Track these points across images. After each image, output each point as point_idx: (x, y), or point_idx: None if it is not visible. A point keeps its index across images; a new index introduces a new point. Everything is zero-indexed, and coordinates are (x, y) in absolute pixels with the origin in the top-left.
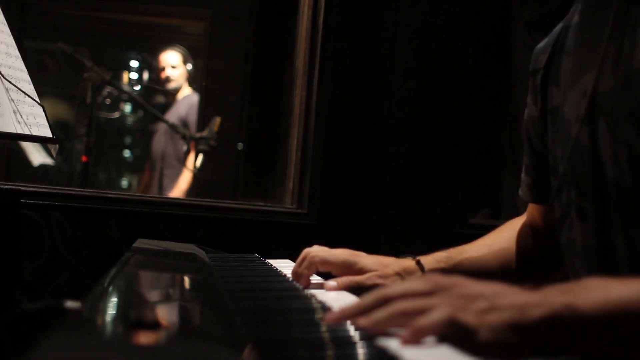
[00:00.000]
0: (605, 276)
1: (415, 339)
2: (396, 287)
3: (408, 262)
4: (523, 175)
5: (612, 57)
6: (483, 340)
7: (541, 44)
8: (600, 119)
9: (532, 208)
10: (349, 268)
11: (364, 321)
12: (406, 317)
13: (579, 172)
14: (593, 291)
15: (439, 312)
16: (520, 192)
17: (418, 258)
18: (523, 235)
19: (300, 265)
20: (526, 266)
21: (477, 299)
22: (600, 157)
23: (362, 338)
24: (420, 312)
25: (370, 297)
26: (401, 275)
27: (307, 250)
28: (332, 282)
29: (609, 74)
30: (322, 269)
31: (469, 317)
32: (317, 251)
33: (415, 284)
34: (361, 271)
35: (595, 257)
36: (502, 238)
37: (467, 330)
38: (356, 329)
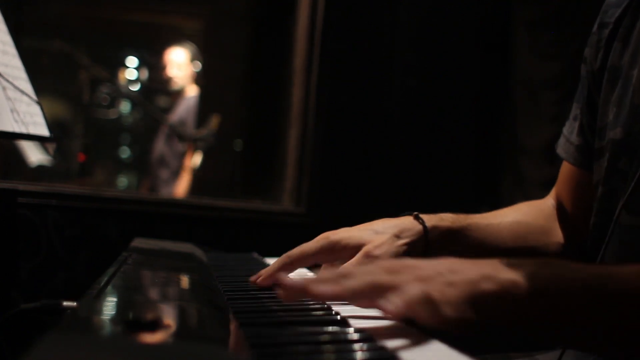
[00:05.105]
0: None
1: (393, 313)
2: (356, 268)
3: (406, 220)
4: (573, 136)
5: None
6: (447, 315)
7: None
8: None
9: (564, 179)
10: (332, 251)
11: (333, 287)
12: (377, 291)
13: (636, 143)
14: (544, 273)
15: (412, 288)
16: (562, 153)
17: (417, 213)
18: (547, 213)
19: (273, 264)
20: (542, 247)
21: (435, 277)
22: None
23: (361, 338)
24: (392, 287)
25: (332, 272)
26: (399, 236)
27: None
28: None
29: None
30: (301, 265)
31: (436, 294)
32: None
33: (371, 267)
34: (346, 248)
35: (629, 233)
36: (518, 212)
37: (435, 306)
38: (320, 297)
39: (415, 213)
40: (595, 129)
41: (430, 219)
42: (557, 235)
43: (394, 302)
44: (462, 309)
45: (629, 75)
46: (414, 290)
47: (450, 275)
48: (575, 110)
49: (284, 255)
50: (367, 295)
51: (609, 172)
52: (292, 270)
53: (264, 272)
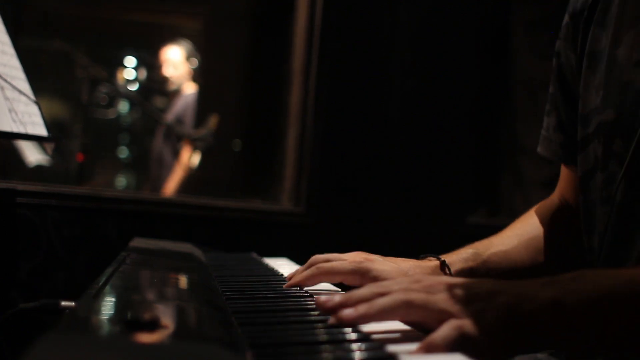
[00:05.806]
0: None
1: (430, 352)
2: (392, 283)
3: (431, 264)
4: (550, 133)
5: None
6: (484, 343)
7: None
8: None
9: (563, 178)
10: (361, 277)
11: (363, 307)
12: (408, 308)
13: (628, 121)
14: (582, 286)
15: (448, 327)
16: (545, 152)
17: (443, 258)
18: (552, 217)
19: (302, 273)
20: (558, 255)
21: (473, 301)
22: None
23: (360, 338)
24: (425, 307)
25: (366, 289)
26: None
27: (315, 257)
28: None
29: None
30: (328, 280)
31: (470, 327)
32: (324, 259)
33: (409, 285)
34: (375, 279)
35: (627, 213)
36: (531, 225)
37: (472, 340)
38: (352, 318)
39: (442, 260)
40: (577, 120)
41: (453, 263)
42: (566, 242)
43: (433, 340)
44: (499, 331)
45: (613, 55)
46: (448, 330)
47: (489, 298)
48: (548, 106)
49: (314, 267)
50: (396, 316)
51: (605, 156)
52: (317, 282)
53: (292, 281)
